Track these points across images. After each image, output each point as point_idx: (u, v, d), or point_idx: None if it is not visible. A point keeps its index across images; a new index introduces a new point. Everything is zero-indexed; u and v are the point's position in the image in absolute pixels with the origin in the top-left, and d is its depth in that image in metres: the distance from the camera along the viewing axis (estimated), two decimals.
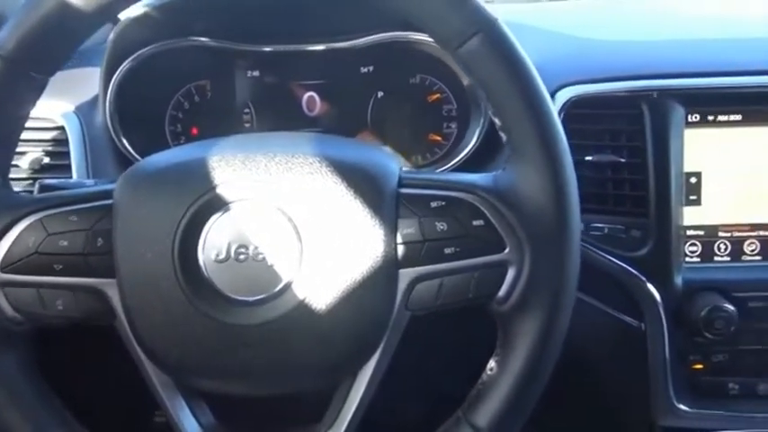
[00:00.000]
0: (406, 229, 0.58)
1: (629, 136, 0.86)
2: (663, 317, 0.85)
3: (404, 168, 0.62)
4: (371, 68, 0.96)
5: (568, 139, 0.59)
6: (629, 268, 0.86)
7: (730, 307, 0.82)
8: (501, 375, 0.60)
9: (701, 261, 0.88)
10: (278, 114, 0.97)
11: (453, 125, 0.97)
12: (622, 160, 0.86)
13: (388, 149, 0.95)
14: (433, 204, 0.58)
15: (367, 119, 0.97)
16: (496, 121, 0.60)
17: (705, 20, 1.06)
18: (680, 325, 0.85)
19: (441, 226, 0.58)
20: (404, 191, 0.59)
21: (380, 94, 0.97)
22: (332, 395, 0.62)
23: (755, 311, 0.85)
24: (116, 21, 0.89)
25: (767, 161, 0.86)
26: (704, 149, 0.87)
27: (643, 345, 0.87)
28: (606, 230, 0.86)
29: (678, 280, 0.85)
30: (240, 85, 0.96)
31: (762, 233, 0.87)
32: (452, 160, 0.92)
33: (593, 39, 0.98)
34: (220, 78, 0.95)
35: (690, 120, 0.86)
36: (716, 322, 0.82)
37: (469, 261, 0.58)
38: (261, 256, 0.58)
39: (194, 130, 0.96)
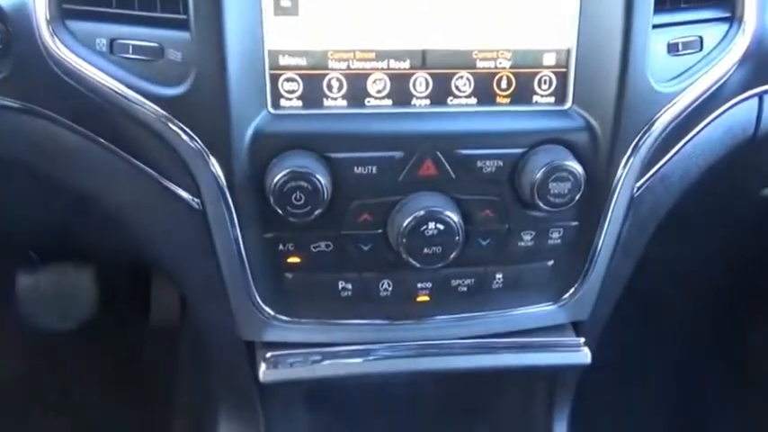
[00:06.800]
0: None
1: None
2: (226, 190, 0.56)
3: None
4: None
5: None
6: (165, 115, 0.54)
7: (319, 180, 0.54)
8: None
9: (304, 106, 0.57)
10: None
11: None
12: None
13: None
14: None
15: None
16: None
17: None
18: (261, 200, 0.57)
19: None
20: None
21: None
22: None
23: (362, 181, 0.57)
24: None
25: None
26: None
27: (207, 230, 0.59)
28: (131, 50, 0.53)
29: (247, 134, 0.55)
30: None
31: (393, 65, 0.58)
32: None
33: None
34: None
35: None
36: (294, 195, 0.54)
37: None
38: None
39: None
